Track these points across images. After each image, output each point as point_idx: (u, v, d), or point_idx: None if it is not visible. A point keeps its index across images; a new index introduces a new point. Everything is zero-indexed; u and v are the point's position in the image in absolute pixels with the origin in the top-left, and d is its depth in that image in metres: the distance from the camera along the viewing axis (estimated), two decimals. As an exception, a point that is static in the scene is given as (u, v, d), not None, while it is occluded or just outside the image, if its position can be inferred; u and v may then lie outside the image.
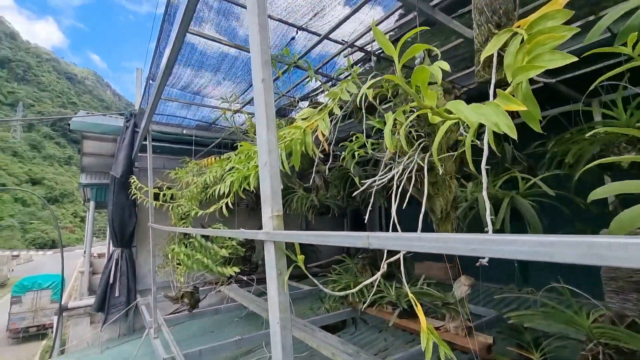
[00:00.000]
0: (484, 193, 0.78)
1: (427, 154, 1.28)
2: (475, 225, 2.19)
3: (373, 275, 3.85)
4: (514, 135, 0.55)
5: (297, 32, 2.78)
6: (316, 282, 1.08)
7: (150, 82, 3.61)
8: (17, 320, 18.47)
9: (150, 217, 3.30)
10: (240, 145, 1.20)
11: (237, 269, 2.47)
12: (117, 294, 5.00)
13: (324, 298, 4.17)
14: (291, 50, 3.11)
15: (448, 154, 1.24)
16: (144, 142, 4.19)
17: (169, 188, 3.20)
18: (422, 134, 1.22)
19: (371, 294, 3.23)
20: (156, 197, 3.24)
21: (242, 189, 1.62)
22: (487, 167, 0.85)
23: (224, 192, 1.90)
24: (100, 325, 4.91)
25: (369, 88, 1.31)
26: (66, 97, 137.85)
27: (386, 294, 3.05)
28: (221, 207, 2.32)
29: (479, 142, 1.10)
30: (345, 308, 3.57)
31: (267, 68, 0.91)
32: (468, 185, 2.30)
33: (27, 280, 19.61)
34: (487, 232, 0.90)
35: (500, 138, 2.66)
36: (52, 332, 6.48)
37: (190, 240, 2.67)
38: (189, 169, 3.25)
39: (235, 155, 2.69)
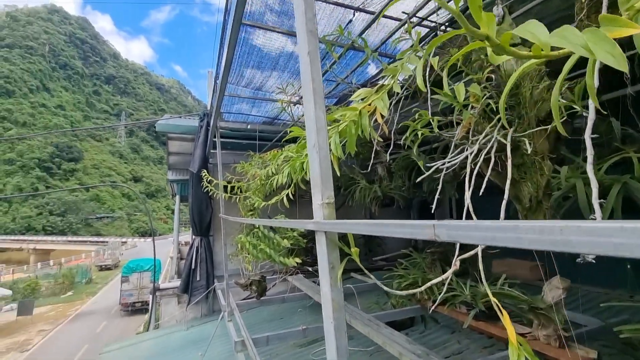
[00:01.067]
0: (589, 169, 0.58)
1: (511, 130, 1.06)
2: (572, 218, 1.83)
3: (443, 271, 3.56)
4: (623, 67, 0.37)
5: (354, 15, 2.64)
6: (373, 277, 0.97)
7: (217, 82, 3.83)
8: (126, 296, 22.04)
9: (221, 209, 3.51)
10: (291, 131, 1.13)
11: (298, 260, 2.47)
12: (198, 278, 5.53)
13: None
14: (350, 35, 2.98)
15: (539, 128, 1.01)
16: (216, 139, 4.48)
17: (237, 181, 3.38)
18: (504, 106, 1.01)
19: (442, 292, 2.97)
20: (226, 189, 3.44)
21: (300, 178, 1.58)
22: (593, 136, 0.65)
23: (282, 184, 1.89)
24: (185, 306, 5.50)
25: (433, 57, 1.13)
26: (157, 105, 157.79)
27: (459, 293, 2.77)
28: (282, 198, 2.33)
29: (583, 111, 0.87)
30: (412, 305, 3.37)
31: (313, 39, 0.82)
32: (562, 170, 1.92)
33: (132, 263, 23.19)
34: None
35: (606, 112, 2.17)
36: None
37: (255, 230, 2.77)
38: (253, 163, 3.37)
39: (297, 144, 2.68)
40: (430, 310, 2.97)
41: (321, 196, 0.79)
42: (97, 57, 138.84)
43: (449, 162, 1.06)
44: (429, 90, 1.11)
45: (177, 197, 7.52)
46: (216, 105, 2.88)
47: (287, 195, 2.27)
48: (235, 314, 3.16)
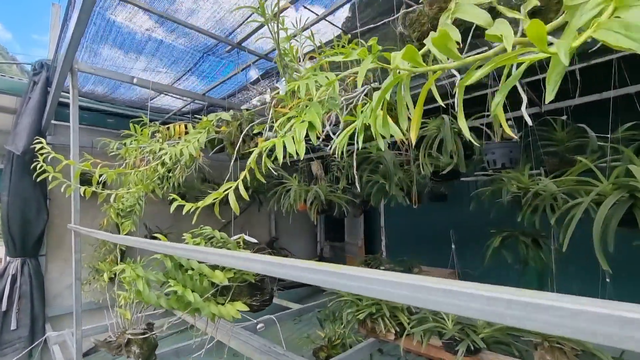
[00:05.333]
0: None
1: None
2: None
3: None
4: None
5: None
6: None
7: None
8: None
9: (73, 215, 2.01)
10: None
11: (243, 307, 1.40)
12: (13, 326, 3.42)
13: (323, 321, 3.21)
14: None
15: None
16: (62, 100, 2.81)
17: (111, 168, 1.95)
18: None
19: (410, 323, 2.38)
20: (87, 182, 1.96)
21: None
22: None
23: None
24: (-16, 375, 3.31)
25: None
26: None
27: (439, 324, 2.21)
28: (221, 199, 1.25)
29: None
30: (364, 337, 2.66)
31: None
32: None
33: None
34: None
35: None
36: None
37: (155, 256, 1.50)
38: (144, 137, 2.02)
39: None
40: (402, 344, 2.33)
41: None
42: None
43: None
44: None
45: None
46: (74, 22, 1.50)
47: (237, 191, 1.21)
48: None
